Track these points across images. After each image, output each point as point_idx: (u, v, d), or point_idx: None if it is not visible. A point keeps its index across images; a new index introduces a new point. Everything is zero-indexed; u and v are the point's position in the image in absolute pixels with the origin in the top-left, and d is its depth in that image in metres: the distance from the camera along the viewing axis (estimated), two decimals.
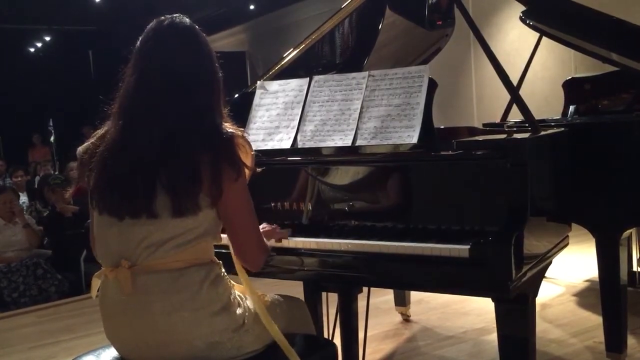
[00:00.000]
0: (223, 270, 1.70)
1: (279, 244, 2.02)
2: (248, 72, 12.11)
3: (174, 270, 1.59)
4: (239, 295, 1.71)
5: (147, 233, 1.57)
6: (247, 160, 1.64)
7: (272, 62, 2.75)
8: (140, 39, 1.66)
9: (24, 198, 7.03)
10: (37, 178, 8.14)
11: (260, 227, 1.93)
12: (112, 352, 1.73)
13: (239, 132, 1.63)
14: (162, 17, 1.68)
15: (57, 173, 7.97)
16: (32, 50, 14.12)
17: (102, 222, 1.63)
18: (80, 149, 1.68)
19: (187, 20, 1.69)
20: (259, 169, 1.72)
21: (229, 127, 1.64)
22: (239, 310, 1.67)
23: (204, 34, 1.70)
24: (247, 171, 1.65)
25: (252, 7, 11.32)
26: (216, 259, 1.69)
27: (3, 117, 12.10)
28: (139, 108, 1.60)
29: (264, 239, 1.76)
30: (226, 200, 1.60)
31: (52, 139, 10.66)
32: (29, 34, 13.41)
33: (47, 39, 13.61)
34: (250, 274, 1.79)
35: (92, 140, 1.67)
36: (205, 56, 1.67)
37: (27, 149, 11.53)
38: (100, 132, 1.67)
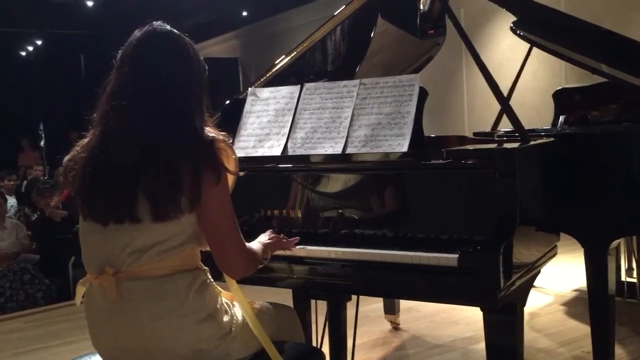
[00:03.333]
0: (209, 277, 1.69)
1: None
2: (240, 78, 12.11)
3: (159, 277, 1.58)
4: (225, 303, 1.70)
5: (130, 239, 1.56)
6: (229, 164, 1.62)
7: (264, 68, 2.75)
8: (121, 48, 1.66)
9: (12, 201, 6.98)
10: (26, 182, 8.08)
11: (266, 235, 1.91)
12: (98, 359, 1.72)
13: (220, 136, 1.63)
14: (144, 26, 1.68)
15: (46, 177, 7.91)
16: (23, 54, 14.07)
17: (87, 228, 1.62)
18: (66, 157, 1.68)
19: (167, 27, 1.68)
20: (241, 173, 1.71)
21: (210, 131, 1.64)
22: (225, 318, 1.65)
23: (187, 39, 1.69)
24: (230, 176, 1.64)
25: (244, 13, 11.34)
26: (202, 266, 1.68)
27: None
28: (118, 114, 1.60)
29: (247, 247, 1.71)
30: (206, 204, 1.58)
31: (42, 143, 10.60)
32: (20, 38, 13.36)
33: (39, 42, 13.56)
34: (238, 280, 1.78)
35: (77, 148, 1.66)
36: (184, 62, 1.65)
37: (16, 152, 11.46)
38: (84, 140, 1.66)
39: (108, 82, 1.64)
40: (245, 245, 1.70)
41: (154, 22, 1.68)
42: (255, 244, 1.81)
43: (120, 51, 1.66)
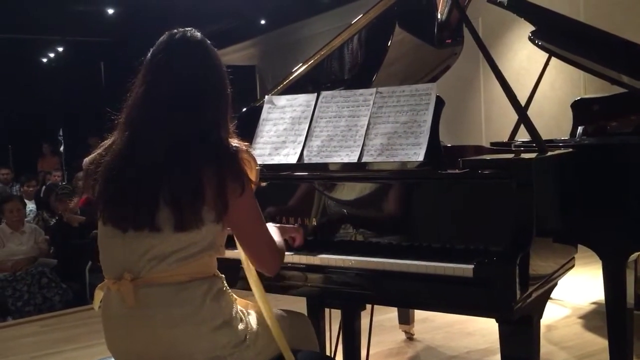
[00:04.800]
0: (225, 284, 1.69)
1: (285, 260, 2.01)
2: (257, 86, 12.17)
3: (176, 284, 1.58)
4: (241, 310, 1.70)
5: (150, 246, 1.57)
6: (252, 174, 1.64)
7: (281, 76, 2.76)
8: (151, 50, 1.66)
9: (31, 206, 7.06)
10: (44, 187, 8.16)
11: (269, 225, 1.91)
12: None
13: (244, 147, 1.64)
14: (175, 31, 1.68)
15: (64, 183, 7.99)
16: (44, 60, 14.25)
17: (106, 233, 1.63)
18: (86, 159, 1.69)
19: (199, 34, 1.69)
20: (263, 184, 1.72)
21: (234, 142, 1.64)
22: (240, 326, 1.66)
23: (215, 49, 1.71)
24: (251, 185, 1.65)
25: (263, 22, 11.41)
26: (219, 273, 1.69)
27: (14, 126, 12.20)
28: (145, 120, 1.60)
29: (277, 243, 1.74)
30: (234, 214, 1.60)
31: (61, 148, 10.73)
32: (42, 44, 13.54)
33: (60, 49, 13.73)
34: (249, 287, 1.79)
35: (98, 151, 1.67)
36: (214, 71, 1.67)
37: (36, 158, 11.61)
38: (107, 142, 1.67)
39: (136, 86, 1.64)
40: (275, 242, 1.73)
41: (186, 29, 1.68)
42: (272, 230, 1.79)
43: (149, 54, 1.66)
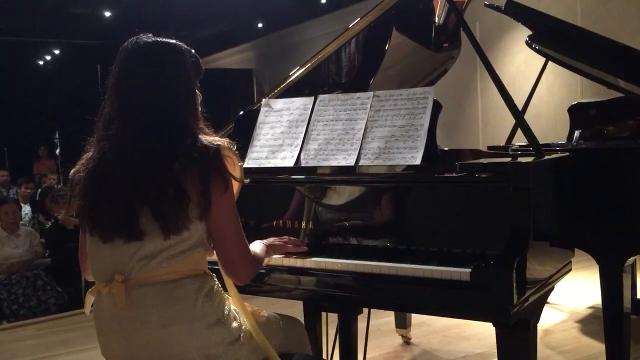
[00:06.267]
0: (217, 283, 1.69)
1: (278, 263, 2.00)
2: (254, 89, 12.17)
3: (168, 282, 1.58)
4: (234, 309, 1.70)
5: (139, 246, 1.57)
6: (235, 171, 1.63)
7: (278, 79, 2.76)
8: (114, 66, 1.66)
9: (27, 209, 7.03)
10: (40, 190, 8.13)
11: (270, 240, 1.92)
12: None
13: (225, 143, 1.63)
14: (127, 44, 1.66)
15: (60, 185, 7.97)
16: (41, 63, 14.24)
17: (94, 242, 1.63)
18: (72, 171, 1.69)
19: (142, 40, 1.65)
20: (247, 180, 1.71)
21: (216, 139, 1.63)
22: (234, 324, 1.66)
23: (168, 43, 1.67)
24: (235, 183, 1.64)
25: (260, 25, 11.42)
26: (210, 272, 1.68)
27: (10, 129, 12.17)
28: (110, 142, 1.60)
29: (251, 252, 1.72)
30: (214, 211, 1.60)
31: (57, 151, 10.71)
32: (38, 47, 13.52)
33: (57, 52, 13.73)
34: (243, 290, 1.78)
35: (82, 161, 1.67)
36: (170, 69, 1.64)
37: (32, 160, 11.58)
38: (88, 154, 1.67)
39: (107, 100, 1.65)
40: (250, 251, 1.71)
41: (131, 39, 1.66)
42: (257, 246, 1.80)
43: (112, 70, 1.65)
